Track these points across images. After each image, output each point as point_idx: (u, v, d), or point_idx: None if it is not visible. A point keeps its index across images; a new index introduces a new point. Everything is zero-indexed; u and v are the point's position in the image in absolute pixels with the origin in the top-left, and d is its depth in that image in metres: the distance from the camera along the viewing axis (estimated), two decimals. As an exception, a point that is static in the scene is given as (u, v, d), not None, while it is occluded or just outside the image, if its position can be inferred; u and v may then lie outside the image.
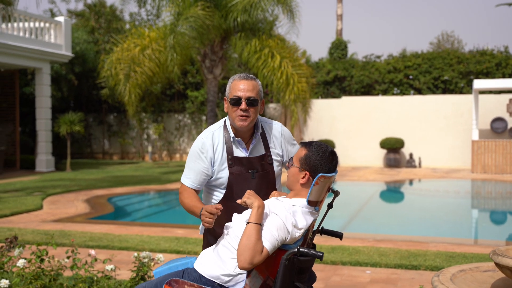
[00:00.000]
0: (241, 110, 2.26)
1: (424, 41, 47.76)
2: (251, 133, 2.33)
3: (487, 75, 16.07)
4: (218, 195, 2.37)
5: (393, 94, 16.79)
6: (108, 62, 13.79)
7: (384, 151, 15.74)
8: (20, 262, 3.32)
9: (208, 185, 2.40)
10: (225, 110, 2.32)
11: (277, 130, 2.42)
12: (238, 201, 2.11)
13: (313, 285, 3.95)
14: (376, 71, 16.89)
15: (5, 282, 3.20)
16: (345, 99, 16.33)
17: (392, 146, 15.12)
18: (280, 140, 2.41)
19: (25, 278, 3.32)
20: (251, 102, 2.26)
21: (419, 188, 11.80)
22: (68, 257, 3.51)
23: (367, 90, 17.14)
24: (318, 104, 16.41)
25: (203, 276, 2.12)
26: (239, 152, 2.32)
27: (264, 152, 2.36)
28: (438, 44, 29.23)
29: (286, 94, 12.79)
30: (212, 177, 2.33)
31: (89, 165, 15.76)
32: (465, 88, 16.26)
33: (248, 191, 2.10)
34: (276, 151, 2.38)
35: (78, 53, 16.10)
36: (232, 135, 2.33)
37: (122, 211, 8.74)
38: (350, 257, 4.78)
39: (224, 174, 2.30)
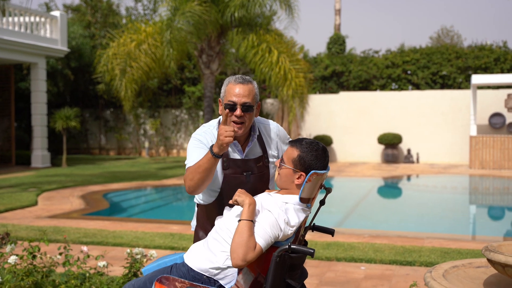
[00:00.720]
0: (235, 116, 2.18)
1: (423, 36, 47.70)
2: (247, 135, 2.29)
3: (486, 70, 16.02)
4: (212, 197, 2.32)
5: (391, 90, 16.74)
6: (105, 57, 13.69)
7: (382, 147, 15.70)
8: (12, 259, 3.30)
9: None
10: (220, 112, 2.22)
11: (273, 131, 2.37)
12: (230, 201, 2.09)
13: (307, 281, 3.95)
14: (374, 66, 16.82)
15: None
16: (343, 95, 16.26)
17: (390, 142, 15.07)
18: (276, 141, 2.37)
19: (17, 274, 3.29)
20: (246, 108, 2.18)
21: (417, 184, 11.77)
22: (60, 254, 3.48)
23: (365, 85, 17.07)
24: (316, 99, 16.34)
25: (191, 269, 2.10)
26: (234, 154, 2.27)
27: (261, 154, 2.31)
28: (438, 39, 29.15)
29: (283, 89, 12.73)
30: None
31: (86, 160, 15.69)
32: (464, 84, 16.20)
33: (239, 190, 2.08)
34: (272, 152, 2.34)
35: (74, 48, 15.99)
36: None
37: (118, 207, 8.68)
38: (345, 253, 4.76)
39: (219, 176, 2.25)
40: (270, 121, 2.40)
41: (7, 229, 5.74)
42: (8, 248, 3.43)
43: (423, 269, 4.33)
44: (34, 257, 3.36)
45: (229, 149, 2.25)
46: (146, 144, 17.57)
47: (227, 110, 2.16)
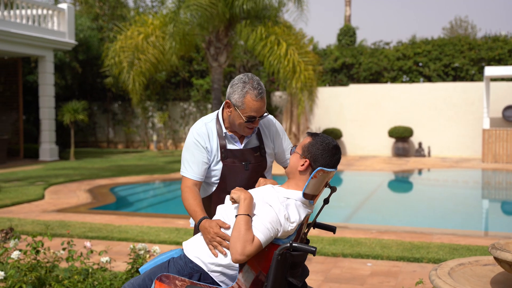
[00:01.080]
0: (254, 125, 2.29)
1: (436, 27, 47.07)
2: None
3: (499, 62, 15.71)
4: (211, 187, 2.36)
5: (402, 82, 16.49)
6: (112, 51, 13.63)
7: (392, 140, 15.50)
8: (15, 254, 3.33)
9: None
10: (228, 113, 2.28)
11: (270, 123, 2.43)
12: (227, 197, 2.13)
13: (312, 277, 3.87)
14: (385, 58, 16.57)
15: (0, 273, 3.16)
16: (353, 87, 16.06)
17: (401, 135, 14.87)
18: (272, 133, 2.43)
19: (20, 270, 3.29)
20: (262, 117, 2.30)
21: (427, 178, 11.58)
22: (63, 249, 3.48)
23: (375, 77, 16.84)
24: (325, 92, 16.16)
25: (190, 261, 2.10)
26: (232, 146, 2.34)
27: (257, 144, 2.37)
28: (451, 29, 28.66)
29: (292, 82, 12.57)
30: (209, 167, 2.32)
31: (93, 154, 15.70)
32: (476, 76, 15.91)
33: (236, 187, 2.11)
34: (269, 143, 2.41)
35: (82, 40, 15.94)
36: (224, 130, 2.33)
37: (124, 201, 8.64)
38: (351, 249, 4.69)
39: (218, 167, 2.31)
40: (267, 115, 2.44)
41: (13, 223, 5.72)
42: (11, 243, 3.45)
43: (430, 265, 4.26)
44: (37, 252, 3.37)
45: (227, 141, 2.32)
46: (154, 137, 17.54)
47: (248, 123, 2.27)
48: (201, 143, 2.28)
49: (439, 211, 7.82)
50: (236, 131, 2.31)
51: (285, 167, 2.47)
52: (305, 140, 2.13)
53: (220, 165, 2.29)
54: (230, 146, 2.32)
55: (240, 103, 2.22)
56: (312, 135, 2.13)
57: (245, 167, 2.30)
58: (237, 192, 2.06)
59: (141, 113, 17.68)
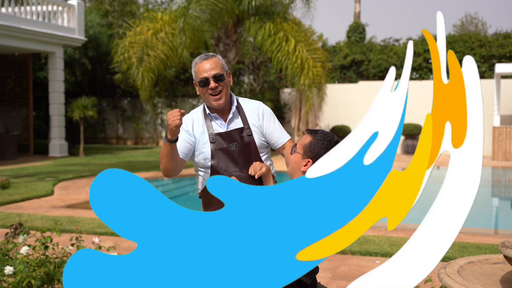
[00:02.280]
0: (211, 89, 2.37)
1: (446, 23, 46.53)
2: (227, 108, 2.46)
3: (510, 59, 15.53)
4: (206, 175, 2.45)
5: (412, 79, 16.37)
6: (121, 47, 13.68)
7: (401, 138, 15.42)
8: (23, 249, 3.32)
9: (195, 164, 2.51)
10: (198, 93, 2.45)
11: (255, 105, 2.51)
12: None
13: (319, 275, 3.85)
14: (394, 55, 16.45)
15: (9, 269, 3.19)
16: (362, 84, 15.98)
17: (410, 133, 14.78)
18: (260, 114, 2.48)
19: (29, 265, 3.30)
20: (218, 78, 2.37)
21: (437, 176, 11.42)
22: (72, 245, 3.49)
23: (385, 74, 16.73)
24: (334, 89, 16.09)
25: None
26: (218, 128, 2.43)
27: (242, 126, 2.44)
28: (462, 26, 28.38)
29: (301, 78, 12.54)
30: (196, 151, 2.43)
31: (103, 150, 15.79)
32: (487, 73, 15.74)
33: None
34: (254, 122, 2.46)
35: (92, 37, 16.01)
36: (208, 111, 2.46)
37: (133, 197, 8.66)
38: (360, 246, 4.66)
39: (206, 149, 2.40)
40: (254, 100, 2.54)
41: (23, 219, 5.77)
42: (20, 238, 3.45)
43: (439, 264, 4.18)
44: (46, 247, 3.38)
45: (212, 122, 2.43)
46: (163, 134, 17.59)
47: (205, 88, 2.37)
48: (183, 127, 2.41)
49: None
50: (214, 108, 2.41)
51: (276, 148, 2.52)
52: (305, 139, 2.08)
53: (208, 147, 2.39)
54: (216, 129, 2.43)
55: (194, 75, 2.40)
56: (312, 132, 2.09)
57: (232, 147, 2.38)
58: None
59: (150, 110, 17.75)
